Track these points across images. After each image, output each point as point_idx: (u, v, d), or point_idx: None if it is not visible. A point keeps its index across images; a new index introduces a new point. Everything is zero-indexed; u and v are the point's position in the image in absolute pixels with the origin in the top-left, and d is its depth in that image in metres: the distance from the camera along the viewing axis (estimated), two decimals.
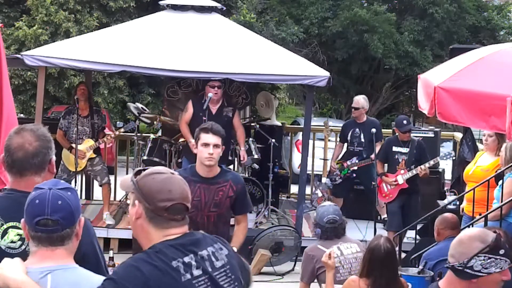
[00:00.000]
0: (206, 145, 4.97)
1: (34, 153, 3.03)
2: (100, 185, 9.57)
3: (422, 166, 8.63)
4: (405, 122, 8.82)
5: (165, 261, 2.59)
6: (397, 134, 8.98)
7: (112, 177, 11.15)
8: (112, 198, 10.89)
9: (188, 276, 2.63)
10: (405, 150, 8.77)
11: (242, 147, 9.06)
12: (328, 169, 9.99)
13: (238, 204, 5.19)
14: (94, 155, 9.47)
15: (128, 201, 10.07)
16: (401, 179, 8.74)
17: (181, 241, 2.67)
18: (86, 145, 9.35)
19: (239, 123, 9.18)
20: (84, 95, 9.45)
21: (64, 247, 2.54)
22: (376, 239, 4.99)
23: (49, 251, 2.52)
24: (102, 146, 9.86)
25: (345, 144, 9.96)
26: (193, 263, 2.66)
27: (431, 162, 8.70)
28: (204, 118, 8.53)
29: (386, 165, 9.07)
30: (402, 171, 8.74)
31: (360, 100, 9.72)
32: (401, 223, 8.60)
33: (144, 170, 2.75)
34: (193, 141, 8.81)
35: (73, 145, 9.33)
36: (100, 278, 2.60)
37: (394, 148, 8.86)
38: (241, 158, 9.10)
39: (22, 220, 2.54)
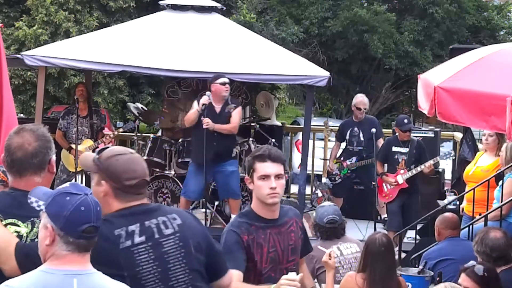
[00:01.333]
0: (265, 177, 3.78)
1: (34, 153, 3.05)
2: None
3: (427, 164, 8.62)
4: (405, 121, 8.83)
5: (109, 229, 2.89)
6: (397, 134, 8.98)
7: None
8: None
9: (128, 243, 2.93)
10: (404, 150, 8.77)
11: (217, 126, 8.54)
12: (327, 169, 10.00)
13: (304, 244, 4.10)
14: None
15: None
16: (401, 179, 8.74)
17: (132, 211, 3.00)
18: (85, 146, 9.36)
19: (236, 119, 8.71)
20: (83, 96, 9.46)
21: (89, 252, 2.55)
22: (373, 234, 5.09)
23: (80, 256, 2.52)
24: (101, 146, 9.87)
25: (343, 143, 9.97)
26: (137, 231, 2.96)
27: (431, 162, 8.70)
28: (202, 118, 8.46)
29: (385, 165, 9.07)
30: (402, 171, 8.74)
31: (364, 100, 9.71)
32: (401, 223, 8.60)
33: (105, 149, 3.05)
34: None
35: (73, 146, 9.34)
36: (117, 284, 2.61)
37: (394, 148, 8.86)
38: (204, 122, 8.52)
39: (51, 225, 2.49)
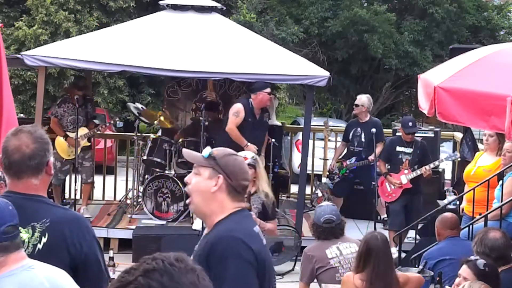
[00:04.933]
0: None
1: (31, 156, 3.02)
2: (84, 183, 9.91)
3: (427, 167, 8.63)
4: (410, 124, 8.86)
5: (249, 227, 3.06)
6: (400, 134, 8.99)
7: (112, 177, 11.17)
8: (111, 198, 10.95)
9: (264, 241, 3.13)
10: (409, 150, 8.78)
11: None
12: (328, 167, 10.00)
13: None
14: (88, 143, 9.74)
15: (128, 201, 10.13)
16: (405, 179, 8.73)
17: (248, 213, 3.17)
18: (80, 133, 9.53)
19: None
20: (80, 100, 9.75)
21: (14, 253, 2.58)
22: (370, 232, 5.09)
23: (5, 257, 2.55)
24: (101, 141, 10.09)
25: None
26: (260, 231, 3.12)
27: (436, 163, 8.73)
28: (249, 119, 8.71)
29: (387, 164, 9.06)
30: (406, 171, 8.74)
31: (362, 98, 9.75)
32: (403, 223, 8.61)
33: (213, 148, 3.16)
34: (246, 142, 8.58)
35: (68, 133, 9.59)
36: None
37: (398, 148, 8.86)
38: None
39: None
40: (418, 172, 8.69)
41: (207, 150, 3.07)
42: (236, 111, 8.76)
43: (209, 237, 3.00)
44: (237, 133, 8.69)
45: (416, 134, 9.77)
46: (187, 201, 3.11)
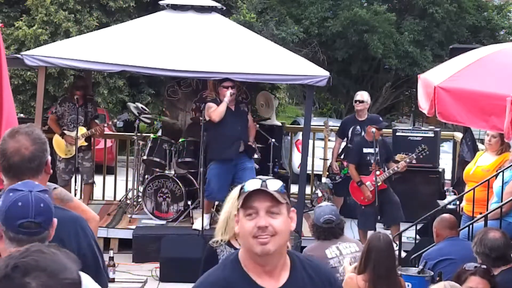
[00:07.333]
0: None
1: (31, 158, 3.01)
2: (85, 183, 9.96)
3: (403, 163, 8.67)
4: (381, 119, 9.04)
5: None
6: (363, 135, 8.99)
7: (112, 177, 11.17)
8: (111, 198, 10.95)
9: None
10: (374, 150, 8.70)
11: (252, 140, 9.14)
12: (329, 167, 10.00)
13: None
14: (85, 143, 9.75)
15: (128, 201, 10.13)
16: (379, 181, 8.67)
17: None
18: (80, 133, 9.56)
19: (251, 119, 9.23)
20: (81, 99, 9.74)
21: None
22: (375, 233, 5.13)
23: None
24: (100, 141, 10.11)
25: (343, 143, 9.97)
26: None
27: (407, 160, 8.76)
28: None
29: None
30: (378, 172, 8.66)
31: (365, 94, 9.74)
32: (376, 223, 8.66)
33: None
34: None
35: (66, 132, 9.65)
36: None
37: (365, 150, 8.81)
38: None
39: None
40: (391, 171, 8.72)
41: (280, 184, 2.59)
42: (210, 106, 8.85)
43: (309, 267, 2.67)
44: (219, 109, 8.74)
45: (416, 134, 9.79)
46: (269, 247, 2.51)
